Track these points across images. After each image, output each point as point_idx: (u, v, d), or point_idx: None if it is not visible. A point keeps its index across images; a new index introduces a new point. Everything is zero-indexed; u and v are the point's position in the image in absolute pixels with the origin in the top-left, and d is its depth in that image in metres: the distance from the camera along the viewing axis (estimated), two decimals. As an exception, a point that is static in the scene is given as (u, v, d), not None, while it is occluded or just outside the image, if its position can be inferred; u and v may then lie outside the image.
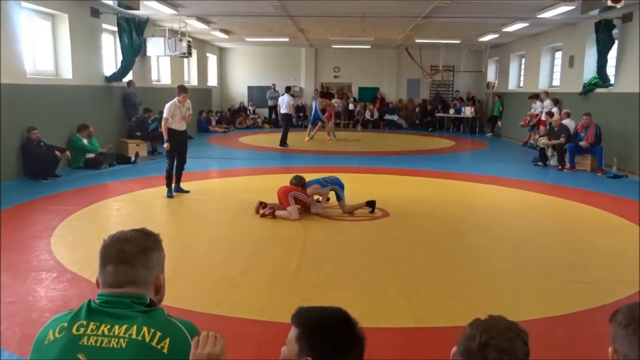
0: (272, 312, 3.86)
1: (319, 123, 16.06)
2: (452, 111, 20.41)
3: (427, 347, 3.46)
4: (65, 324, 1.50)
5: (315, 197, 6.97)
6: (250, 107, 21.96)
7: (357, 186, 8.96)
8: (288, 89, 14.82)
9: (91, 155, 10.32)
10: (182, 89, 7.86)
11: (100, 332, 1.47)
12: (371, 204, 6.98)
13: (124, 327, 1.47)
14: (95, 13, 11.21)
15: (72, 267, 4.72)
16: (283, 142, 14.22)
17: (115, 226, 6.66)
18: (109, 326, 1.48)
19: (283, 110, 14.40)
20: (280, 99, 14.60)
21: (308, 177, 7.21)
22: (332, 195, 7.03)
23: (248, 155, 13.35)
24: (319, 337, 1.46)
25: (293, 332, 1.49)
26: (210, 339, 1.45)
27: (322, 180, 7.00)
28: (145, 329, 1.46)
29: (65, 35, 10.42)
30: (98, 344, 1.45)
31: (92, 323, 1.49)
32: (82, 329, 1.48)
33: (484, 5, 11.05)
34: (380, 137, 18.30)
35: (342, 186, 6.94)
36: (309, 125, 16.22)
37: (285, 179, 7.25)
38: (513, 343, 1.37)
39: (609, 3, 8.21)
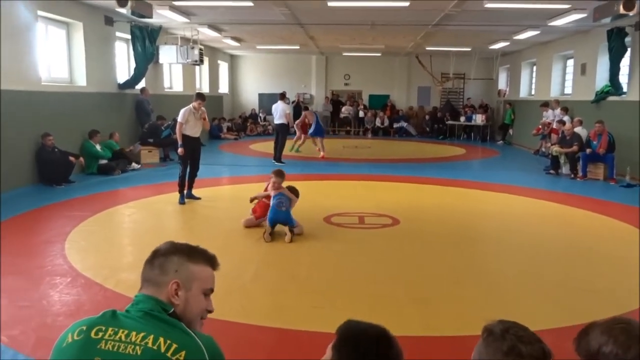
0: (282, 319, 3.89)
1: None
2: (462, 119, 20.37)
3: (436, 356, 3.45)
4: (84, 327, 1.54)
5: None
6: (261, 114, 22.07)
7: (367, 193, 9.00)
8: (282, 96, 12.97)
9: (104, 161, 10.46)
10: (199, 96, 7.96)
11: (117, 338, 1.50)
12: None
13: (141, 334, 1.50)
14: (109, 21, 11.37)
15: (86, 272, 4.78)
16: (278, 157, 12.39)
17: (127, 232, 6.74)
18: (126, 332, 1.51)
19: (278, 120, 12.52)
20: (273, 107, 12.84)
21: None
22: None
23: (259, 162, 13.38)
24: (349, 347, 1.52)
25: (334, 339, 1.55)
26: None
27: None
28: (161, 339, 1.49)
29: (80, 43, 10.58)
30: (115, 349, 1.48)
31: (110, 328, 1.53)
32: (100, 334, 1.52)
33: (494, 13, 11.04)
34: (390, 144, 18.30)
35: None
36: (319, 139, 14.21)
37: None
38: (532, 337, 1.44)
39: (621, 11, 8.20)
